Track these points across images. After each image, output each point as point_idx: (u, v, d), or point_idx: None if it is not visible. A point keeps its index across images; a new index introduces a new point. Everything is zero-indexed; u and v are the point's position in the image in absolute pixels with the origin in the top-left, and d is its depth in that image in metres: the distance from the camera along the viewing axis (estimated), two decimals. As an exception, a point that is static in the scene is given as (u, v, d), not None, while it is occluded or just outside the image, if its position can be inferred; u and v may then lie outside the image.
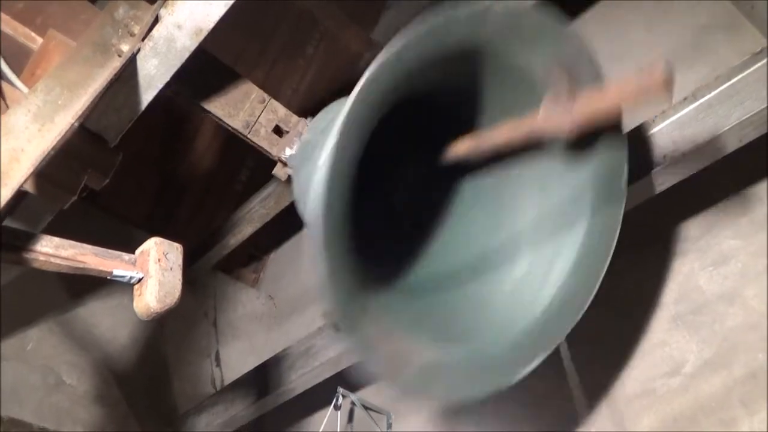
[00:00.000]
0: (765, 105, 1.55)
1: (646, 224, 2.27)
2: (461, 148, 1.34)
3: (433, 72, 1.20)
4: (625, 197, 1.40)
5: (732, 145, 1.65)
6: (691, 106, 1.67)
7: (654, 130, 1.73)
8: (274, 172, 1.80)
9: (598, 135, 1.31)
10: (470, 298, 1.40)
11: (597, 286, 1.36)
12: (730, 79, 1.63)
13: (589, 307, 2.29)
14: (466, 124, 1.40)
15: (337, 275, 1.03)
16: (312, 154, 1.48)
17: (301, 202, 1.52)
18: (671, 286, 2.24)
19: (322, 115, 1.60)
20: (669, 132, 1.71)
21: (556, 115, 1.14)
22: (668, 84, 0.94)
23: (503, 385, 1.21)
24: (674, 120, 1.70)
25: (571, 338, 2.30)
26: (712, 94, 1.65)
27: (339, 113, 1.04)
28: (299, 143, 1.66)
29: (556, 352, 1.37)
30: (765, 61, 1.58)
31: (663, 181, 1.73)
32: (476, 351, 1.23)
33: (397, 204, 1.68)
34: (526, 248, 1.42)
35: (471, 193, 1.62)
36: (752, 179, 2.16)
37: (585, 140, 1.27)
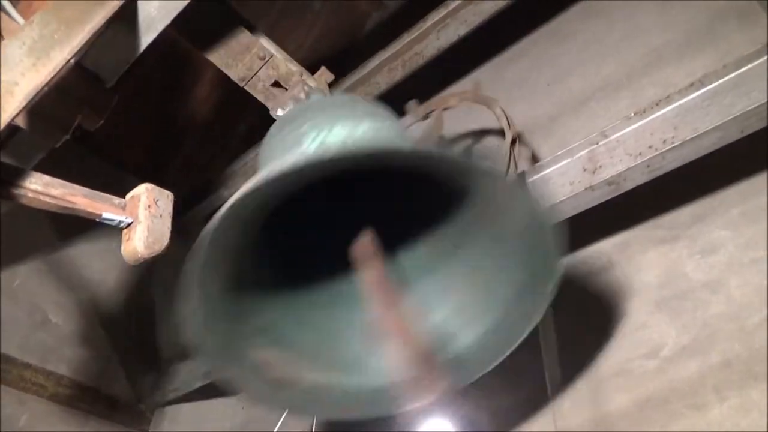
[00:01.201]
0: (770, 97, 1.53)
1: (639, 207, 2.28)
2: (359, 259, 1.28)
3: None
4: (549, 301, 1.31)
5: (733, 135, 1.63)
6: (697, 93, 1.66)
7: (656, 113, 1.71)
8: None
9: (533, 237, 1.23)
10: (358, 336, 1.42)
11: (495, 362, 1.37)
12: (738, 69, 1.61)
13: (574, 284, 2.30)
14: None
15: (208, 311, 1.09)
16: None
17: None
18: (657, 271, 2.26)
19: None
20: (671, 117, 1.69)
21: None
22: None
23: (379, 415, 1.30)
24: (678, 105, 1.68)
25: (555, 312, 2.32)
26: (719, 82, 1.63)
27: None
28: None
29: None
30: (775, 52, 1.56)
31: (660, 166, 1.73)
32: (359, 383, 1.31)
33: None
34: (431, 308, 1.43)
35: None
36: (749, 170, 2.16)
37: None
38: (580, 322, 2.38)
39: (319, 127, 1.23)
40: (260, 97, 1.69)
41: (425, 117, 2.34)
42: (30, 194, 1.01)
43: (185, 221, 3.49)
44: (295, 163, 0.93)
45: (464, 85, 3.26)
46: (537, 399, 2.39)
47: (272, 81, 1.70)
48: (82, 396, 2.84)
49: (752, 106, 1.55)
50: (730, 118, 1.58)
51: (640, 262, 2.31)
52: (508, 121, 1.95)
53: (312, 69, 1.75)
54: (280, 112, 1.68)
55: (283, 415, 2.42)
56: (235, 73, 1.64)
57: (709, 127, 1.61)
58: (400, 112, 2.45)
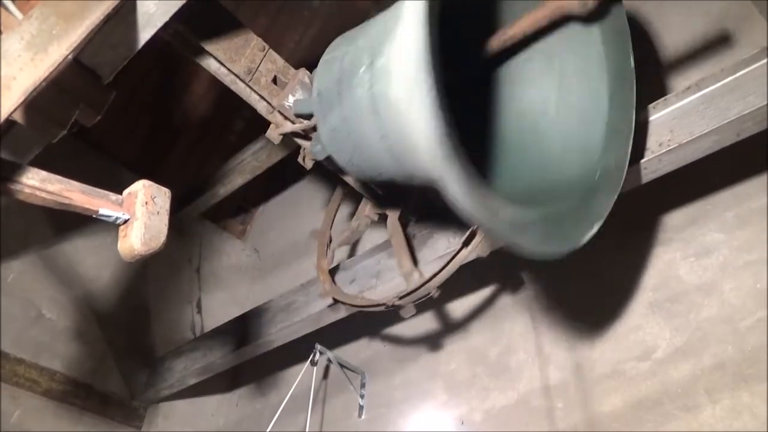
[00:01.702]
0: (767, 101, 1.54)
1: (634, 210, 2.29)
2: (495, 41, 1.53)
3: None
4: (634, 76, 1.55)
5: (729, 139, 1.64)
6: (693, 96, 1.66)
7: (653, 117, 1.72)
8: (267, 134, 1.77)
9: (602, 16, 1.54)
10: (531, 168, 1.59)
11: (627, 159, 1.48)
12: (734, 73, 1.62)
13: (569, 285, 2.29)
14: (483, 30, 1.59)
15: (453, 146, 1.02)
16: (336, 100, 1.45)
17: (332, 147, 1.51)
18: (651, 273, 2.27)
19: (324, 68, 1.56)
20: (668, 120, 1.70)
21: None
22: None
23: (573, 246, 1.27)
24: (675, 108, 1.69)
25: (549, 314, 2.32)
26: (716, 86, 1.64)
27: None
28: (315, 94, 1.61)
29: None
30: (771, 57, 1.56)
31: (655, 169, 1.73)
32: (547, 214, 1.30)
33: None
34: (557, 123, 1.61)
35: (501, 83, 1.77)
36: (744, 173, 2.16)
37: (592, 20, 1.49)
38: (574, 323, 2.39)
39: None
40: (264, 93, 1.69)
41: None
42: (27, 190, 1.01)
43: (181, 217, 3.49)
44: None
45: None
46: (531, 399, 2.40)
47: (272, 76, 1.70)
48: (75, 392, 2.83)
49: (749, 110, 1.56)
50: (726, 121, 1.59)
51: (633, 265, 2.32)
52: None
53: (310, 67, 1.74)
54: (291, 99, 1.67)
55: (278, 413, 2.42)
56: (239, 68, 1.64)
57: (706, 131, 1.61)
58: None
